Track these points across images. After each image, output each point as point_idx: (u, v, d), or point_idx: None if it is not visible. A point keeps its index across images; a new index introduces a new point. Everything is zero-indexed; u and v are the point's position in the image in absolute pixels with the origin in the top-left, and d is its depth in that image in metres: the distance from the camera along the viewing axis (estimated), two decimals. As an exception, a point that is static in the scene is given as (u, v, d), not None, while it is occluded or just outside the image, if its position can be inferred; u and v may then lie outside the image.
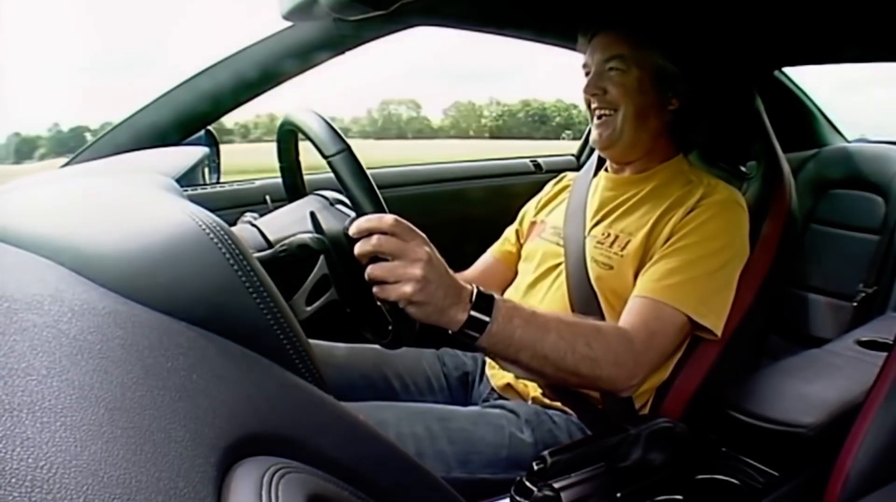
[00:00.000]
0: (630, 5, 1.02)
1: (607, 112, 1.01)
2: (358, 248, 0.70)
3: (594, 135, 1.04)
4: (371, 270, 0.70)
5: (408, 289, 0.69)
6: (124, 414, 0.30)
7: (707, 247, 0.91)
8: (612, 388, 0.86)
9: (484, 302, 0.74)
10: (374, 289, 0.71)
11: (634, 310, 0.89)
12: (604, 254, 0.97)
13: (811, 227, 1.62)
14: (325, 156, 0.73)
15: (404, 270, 0.69)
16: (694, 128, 1.05)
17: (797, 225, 1.12)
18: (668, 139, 1.05)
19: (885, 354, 0.88)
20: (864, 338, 1.17)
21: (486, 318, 0.74)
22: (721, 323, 0.91)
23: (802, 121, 1.75)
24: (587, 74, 1.03)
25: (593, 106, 1.03)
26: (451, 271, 0.74)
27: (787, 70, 1.67)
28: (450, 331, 0.75)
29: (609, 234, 0.99)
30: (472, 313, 0.73)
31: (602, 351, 0.82)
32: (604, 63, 1.00)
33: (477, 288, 0.75)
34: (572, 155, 1.95)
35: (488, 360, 1.07)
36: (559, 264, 1.02)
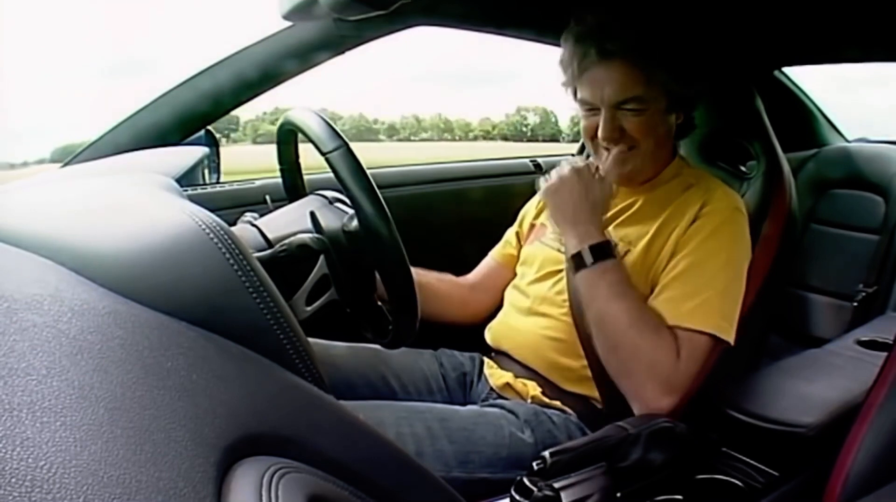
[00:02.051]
0: (625, 6, 0.99)
1: (627, 150, 0.95)
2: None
3: (609, 167, 0.97)
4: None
5: (570, 182, 0.95)
6: (124, 414, 0.30)
7: (715, 262, 0.91)
8: (636, 392, 0.87)
9: (597, 250, 0.90)
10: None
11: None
12: None
13: (811, 227, 1.62)
14: (322, 153, 0.73)
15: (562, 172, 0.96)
16: (692, 126, 1.04)
17: (797, 225, 1.12)
18: (670, 146, 1.04)
19: (885, 354, 0.88)
20: (864, 338, 1.17)
21: (590, 261, 0.89)
22: (734, 332, 0.92)
23: (802, 121, 1.74)
24: (588, 110, 0.96)
25: (610, 147, 0.96)
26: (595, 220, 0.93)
27: (786, 70, 1.67)
28: (565, 254, 0.95)
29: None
30: (587, 250, 0.90)
31: (648, 347, 0.85)
32: (617, 105, 0.92)
33: (601, 239, 0.91)
34: (572, 155, 1.95)
35: (486, 360, 1.07)
36: (560, 270, 1.01)
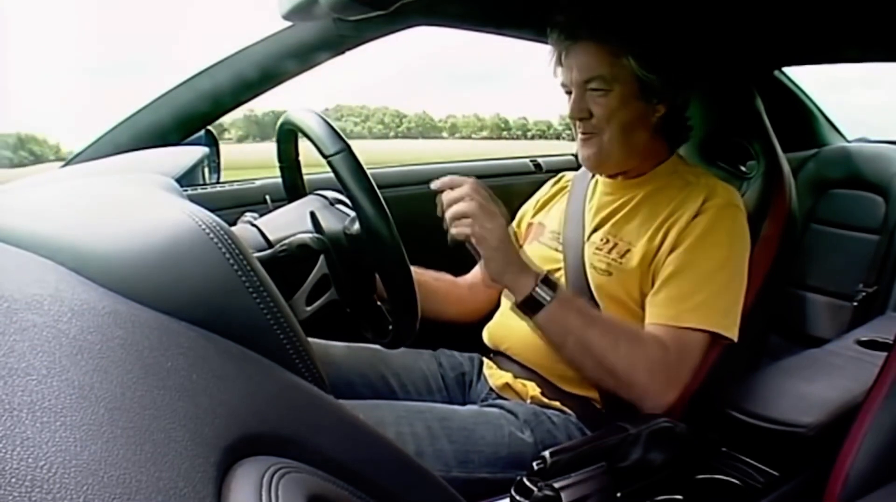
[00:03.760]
0: (622, 5, 0.99)
1: (593, 132, 0.98)
2: (447, 198, 0.84)
3: (581, 153, 1.01)
4: (457, 208, 0.84)
5: (484, 232, 0.83)
6: (124, 413, 0.30)
7: (716, 258, 0.91)
8: (642, 397, 0.87)
9: (550, 283, 0.85)
10: (453, 226, 0.84)
11: (662, 337, 0.89)
12: (602, 260, 0.97)
13: (811, 227, 1.62)
14: (324, 156, 0.73)
15: (484, 219, 0.83)
16: (683, 125, 1.04)
17: (797, 225, 1.12)
18: (660, 139, 1.03)
19: (885, 354, 0.88)
20: (864, 338, 1.18)
21: (550, 295, 0.84)
22: (737, 329, 0.92)
23: (802, 121, 1.75)
24: (567, 93, 0.99)
25: (579, 129, 0.99)
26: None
27: (786, 70, 1.67)
28: (513, 301, 0.86)
29: (608, 240, 0.99)
30: (538, 287, 0.84)
31: (640, 356, 0.85)
32: (583, 84, 0.96)
33: (545, 272, 0.87)
34: (572, 154, 1.94)
35: (486, 360, 1.07)
36: (557, 269, 1.01)
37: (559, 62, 0.99)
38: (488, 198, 0.85)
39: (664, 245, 0.94)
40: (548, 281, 0.86)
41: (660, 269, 0.93)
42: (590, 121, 0.97)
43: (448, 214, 0.85)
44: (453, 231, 0.84)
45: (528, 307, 0.85)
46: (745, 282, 0.94)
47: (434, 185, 0.87)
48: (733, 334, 0.91)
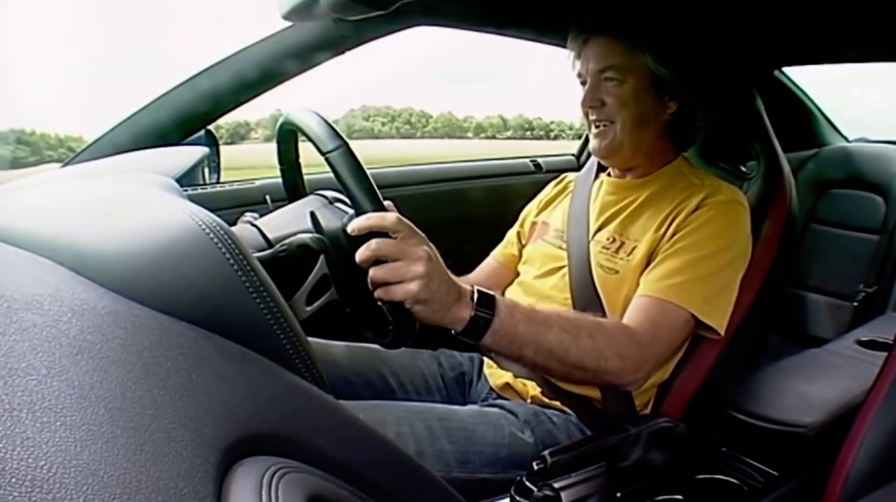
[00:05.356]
0: (625, 6, 1.01)
1: (605, 122, 1.00)
2: (359, 256, 0.70)
3: (593, 143, 1.03)
4: (374, 273, 0.70)
5: (413, 286, 0.69)
6: (124, 413, 0.30)
7: (710, 246, 0.92)
8: (618, 381, 0.86)
9: (486, 299, 0.75)
10: (378, 292, 0.71)
11: (639, 307, 0.89)
12: (610, 259, 0.97)
13: (811, 227, 1.62)
14: (322, 153, 0.73)
15: (407, 269, 0.69)
16: (692, 126, 1.05)
17: (797, 225, 1.12)
18: (668, 140, 1.04)
19: (885, 354, 0.88)
20: (864, 338, 1.18)
21: (490, 315, 0.74)
22: (724, 322, 0.91)
23: (802, 121, 1.75)
24: (582, 84, 1.02)
25: (592, 117, 1.01)
26: (449, 272, 0.74)
27: (786, 70, 1.67)
28: (453, 331, 0.75)
29: (615, 240, 0.99)
30: (477, 310, 0.74)
31: (606, 343, 0.82)
32: (598, 74, 0.98)
33: (476, 288, 0.76)
34: (572, 155, 1.95)
35: (486, 360, 1.07)
36: (562, 267, 1.02)
37: (577, 56, 1.02)
38: (408, 230, 0.71)
39: (665, 236, 0.95)
40: (482, 296, 0.75)
41: (658, 256, 0.94)
42: (602, 109, 0.99)
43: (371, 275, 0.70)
44: (387, 296, 0.70)
45: (471, 333, 0.75)
46: (737, 277, 0.94)
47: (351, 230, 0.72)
48: (715, 323, 0.90)
